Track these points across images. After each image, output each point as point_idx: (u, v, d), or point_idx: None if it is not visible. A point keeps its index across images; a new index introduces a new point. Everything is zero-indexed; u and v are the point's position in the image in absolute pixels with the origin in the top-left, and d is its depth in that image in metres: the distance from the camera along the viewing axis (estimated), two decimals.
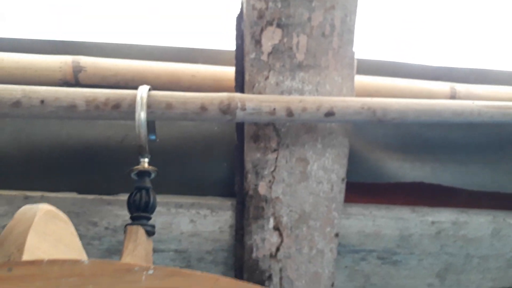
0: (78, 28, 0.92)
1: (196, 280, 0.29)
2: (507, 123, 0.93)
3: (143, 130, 0.67)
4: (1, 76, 0.77)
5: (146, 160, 0.69)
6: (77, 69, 0.82)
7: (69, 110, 0.68)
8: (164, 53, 0.90)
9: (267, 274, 0.97)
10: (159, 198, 0.93)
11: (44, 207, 0.44)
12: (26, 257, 0.37)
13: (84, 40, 0.88)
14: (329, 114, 0.83)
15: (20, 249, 0.37)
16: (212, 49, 0.94)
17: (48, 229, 0.42)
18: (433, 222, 1.08)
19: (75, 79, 0.82)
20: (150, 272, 0.29)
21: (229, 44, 0.92)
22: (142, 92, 0.69)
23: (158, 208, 0.73)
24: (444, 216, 1.08)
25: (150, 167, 0.68)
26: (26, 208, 0.44)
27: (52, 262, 0.30)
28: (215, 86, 0.89)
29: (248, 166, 0.91)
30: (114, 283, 0.28)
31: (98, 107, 0.69)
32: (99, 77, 0.82)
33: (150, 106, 0.70)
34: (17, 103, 0.66)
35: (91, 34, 0.90)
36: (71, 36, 0.88)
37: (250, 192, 0.93)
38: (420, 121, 0.89)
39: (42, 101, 0.67)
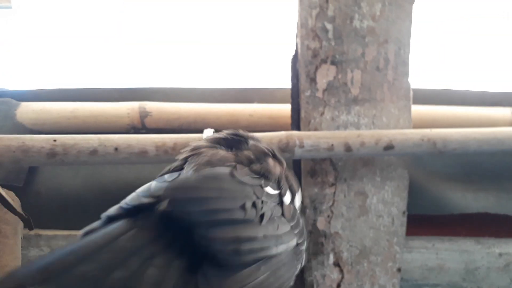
0: (142, 75, 0.98)
1: None
2: None
3: None
4: (77, 124, 0.84)
5: None
6: (144, 114, 0.87)
7: (140, 156, 0.72)
8: (223, 94, 0.94)
9: None
10: None
11: None
12: None
13: (148, 86, 0.93)
14: (388, 147, 0.83)
15: None
16: (267, 88, 0.96)
17: None
18: (500, 254, 1.02)
19: (142, 124, 0.87)
20: None
21: (284, 83, 0.94)
22: (208, 135, 0.72)
23: None
24: None
25: None
26: None
27: None
28: (271, 123, 0.91)
29: (306, 201, 0.92)
30: None
31: (167, 151, 0.72)
32: (164, 121, 0.87)
33: None
34: (94, 152, 0.71)
35: (154, 79, 0.96)
36: (136, 82, 0.94)
37: (309, 228, 0.93)
38: (482, 150, 0.87)
39: (116, 149, 0.71)
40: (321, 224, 0.93)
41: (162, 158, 0.73)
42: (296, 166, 0.92)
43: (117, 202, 0.90)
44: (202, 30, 1.03)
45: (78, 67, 1.00)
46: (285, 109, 0.92)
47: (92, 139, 0.72)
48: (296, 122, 0.89)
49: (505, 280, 1.06)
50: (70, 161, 0.73)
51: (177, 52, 1.01)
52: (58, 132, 0.77)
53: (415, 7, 0.87)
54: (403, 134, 0.84)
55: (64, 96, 0.92)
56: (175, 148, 0.73)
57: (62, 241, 0.87)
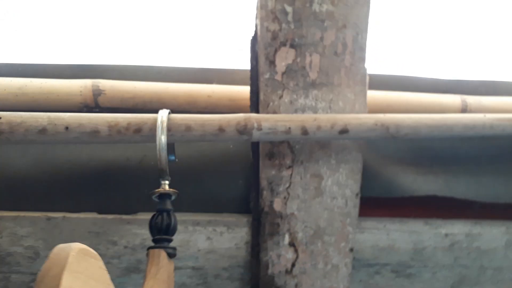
0: (97, 52, 0.94)
1: None
2: None
3: (164, 154, 0.69)
4: (26, 102, 0.80)
5: (167, 182, 0.71)
6: (97, 93, 0.84)
7: (92, 135, 0.70)
8: (181, 74, 0.92)
9: None
10: (177, 217, 0.95)
11: (77, 246, 0.46)
12: None
13: (102, 63, 0.90)
14: (343, 131, 0.85)
15: None
16: (227, 69, 0.96)
17: (80, 267, 0.44)
18: (446, 235, 1.08)
19: (95, 103, 0.84)
20: None
21: (244, 64, 0.94)
22: (163, 116, 0.71)
23: None
24: (458, 228, 1.08)
25: (171, 189, 0.70)
26: (60, 248, 0.46)
27: None
28: (230, 105, 0.91)
29: (264, 183, 0.93)
30: None
31: (120, 131, 0.71)
32: (118, 100, 0.84)
33: (170, 129, 0.72)
34: (43, 130, 0.68)
35: (110, 57, 0.93)
36: (90, 59, 0.90)
37: (266, 209, 0.94)
38: (433, 136, 0.90)
39: (66, 128, 0.69)
40: (277, 205, 0.94)
41: (115, 138, 0.71)
42: (254, 149, 0.93)
43: (69, 182, 0.88)
44: (161, 6, 1.00)
45: (28, 41, 0.95)
46: (245, 90, 0.91)
47: (41, 117, 0.69)
48: (255, 105, 0.89)
49: (450, 259, 1.12)
50: (16, 140, 0.70)
51: (133, 29, 0.98)
52: (4, 109, 0.73)
53: None
54: (357, 119, 0.86)
55: (12, 71, 0.87)
56: (129, 128, 0.71)
57: (9, 222, 0.84)
